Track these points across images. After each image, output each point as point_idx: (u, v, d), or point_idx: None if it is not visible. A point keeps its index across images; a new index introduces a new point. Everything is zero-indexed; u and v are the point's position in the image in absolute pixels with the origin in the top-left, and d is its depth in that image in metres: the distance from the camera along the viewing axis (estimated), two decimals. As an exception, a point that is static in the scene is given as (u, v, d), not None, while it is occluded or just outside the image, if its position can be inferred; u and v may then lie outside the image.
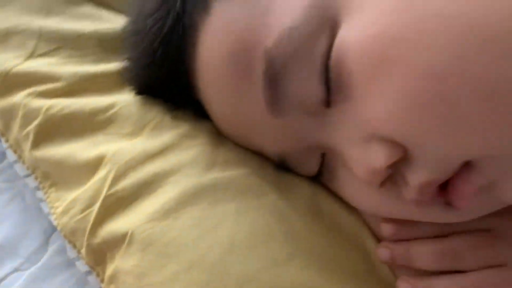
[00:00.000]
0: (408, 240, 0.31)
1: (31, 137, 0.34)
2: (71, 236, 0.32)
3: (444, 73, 0.23)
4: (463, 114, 0.23)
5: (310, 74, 0.26)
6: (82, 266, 0.32)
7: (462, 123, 0.23)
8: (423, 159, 0.25)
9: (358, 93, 0.25)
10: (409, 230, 0.31)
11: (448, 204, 0.27)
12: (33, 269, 0.35)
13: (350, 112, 0.26)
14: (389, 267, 0.32)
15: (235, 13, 0.28)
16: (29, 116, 0.35)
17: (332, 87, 0.26)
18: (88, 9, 0.40)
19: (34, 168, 0.35)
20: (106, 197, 0.31)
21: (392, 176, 0.27)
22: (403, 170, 0.26)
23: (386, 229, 0.31)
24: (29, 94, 0.35)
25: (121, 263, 0.29)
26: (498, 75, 0.22)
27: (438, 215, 0.28)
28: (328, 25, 0.25)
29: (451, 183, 0.26)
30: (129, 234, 0.29)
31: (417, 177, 0.25)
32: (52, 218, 0.33)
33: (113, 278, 0.30)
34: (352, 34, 0.24)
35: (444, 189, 0.26)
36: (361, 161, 0.26)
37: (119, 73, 0.36)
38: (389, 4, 0.24)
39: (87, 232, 0.31)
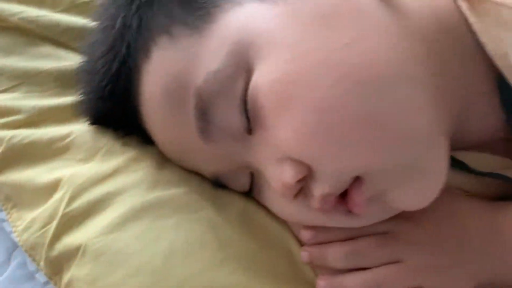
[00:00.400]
0: (323, 243, 0.37)
1: (-7, 164, 0.39)
2: (31, 251, 0.36)
3: (331, 107, 0.29)
4: (348, 139, 0.29)
5: (233, 107, 0.32)
6: (41, 277, 0.36)
7: (348, 146, 0.29)
8: (323, 175, 0.31)
9: (270, 123, 0.31)
10: (323, 235, 0.36)
11: (350, 212, 0.33)
12: (-3, 282, 0.39)
13: (266, 138, 0.32)
14: (311, 267, 0.37)
15: (170, 58, 0.33)
16: None
17: (250, 118, 0.32)
18: (47, 49, 0.45)
19: (-3, 192, 0.39)
20: (63, 215, 0.35)
21: (303, 189, 0.33)
22: (310, 184, 0.32)
23: (305, 235, 0.37)
24: None
25: (76, 271, 0.34)
26: (370, 107, 0.29)
27: (342, 221, 0.34)
28: (244, 69, 0.31)
29: (348, 194, 0.32)
30: (82, 247, 0.34)
31: (319, 189, 0.31)
32: (14, 235, 0.37)
33: (69, 286, 0.34)
34: (262, 77, 0.30)
35: (344, 199, 0.32)
36: (276, 178, 0.32)
37: (75, 105, 0.41)
38: (288, 55, 0.30)
39: (45, 246, 0.35)
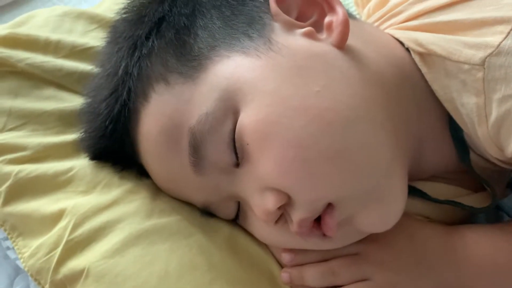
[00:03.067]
0: (301, 265, 0.41)
1: (2, 196, 0.42)
2: (37, 275, 0.39)
3: (304, 144, 0.34)
4: (320, 171, 0.34)
5: (222, 144, 0.36)
6: (45, 300, 0.39)
7: (320, 177, 0.34)
8: (300, 203, 0.35)
9: (254, 158, 0.36)
10: (301, 257, 0.41)
11: (324, 235, 0.38)
12: (0, 307, 0.42)
13: (251, 171, 0.37)
14: (290, 287, 0.42)
15: (167, 102, 0.38)
16: (1, 180, 0.43)
17: (238, 153, 0.36)
18: (51, 91, 0.49)
19: (4, 221, 0.42)
20: (67, 242, 0.39)
21: (282, 216, 0.37)
22: (289, 211, 0.36)
23: (285, 257, 0.41)
24: (1, 161, 0.43)
25: (79, 293, 0.37)
26: (337, 145, 0.34)
27: (317, 244, 0.38)
28: (231, 111, 0.36)
29: (322, 219, 0.36)
30: (86, 270, 0.38)
31: (297, 215, 0.36)
32: (20, 261, 0.40)
33: (73, 306, 0.38)
34: (247, 118, 0.35)
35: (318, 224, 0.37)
36: (259, 205, 0.37)
37: (76, 143, 0.45)
38: (268, 100, 0.35)
39: (51, 271, 0.39)
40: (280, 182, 0.35)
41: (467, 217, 0.47)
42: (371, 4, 0.54)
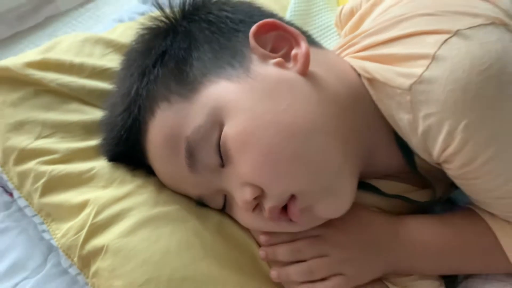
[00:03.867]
0: (275, 244, 0.52)
1: (39, 190, 0.53)
2: (68, 251, 0.50)
3: (273, 150, 0.44)
4: (284, 171, 0.44)
5: (210, 150, 0.47)
6: (73, 270, 0.50)
7: (285, 176, 0.45)
8: (270, 194, 0.46)
9: (235, 160, 0.46)
10: (275, 238, 0.51)
11: (291, 220, 0.48)
12: (38, 277, 0.52)
13: (233, 171, 0.47)
14: (267, 262, 0.52)
15: (169, 117, 0.48)
16: (38, 176, 0.53)
17: (222, 157, 0.47)
18: (76, 106, 0.59)
19: (40, 210, 0.53)
20: (90, 225, 0.49)
21: (258, 205, 0.48)
22: (262, 201, 0.47)
23: (262, 239, 0.51)
24: (37, 162, 0.53)
25: (100, 264, 0.48)
26: (298, 150, 0.44)
27: (285, 227, 0.49)
28: (218, 124, 0.46)
29: (287, 207, 0.47)
30: (105, 246, 0.48)
31: (268, 204, 0.46)
32: (54, 241, 0.51)
33: (95, 274, 0.48)
34: (229, 130, 0.45)
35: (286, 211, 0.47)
36: (239, 197, 0.47)
37: (97, 147, 0.56)
38: (246, 116, 0.45)
39: (78, 247, 0.49)
40: (255, 179, 0.45)
41: (416, 209, 0.56)
42: (346, 27, 0.64)
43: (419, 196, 0.56)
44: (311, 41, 0.56)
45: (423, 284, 0.52)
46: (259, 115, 0.45)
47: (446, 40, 0.44)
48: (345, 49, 0.55)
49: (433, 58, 0.44)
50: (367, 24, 0.58)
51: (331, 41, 0.81)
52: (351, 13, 0.70)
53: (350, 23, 0.66)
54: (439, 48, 0.44)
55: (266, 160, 0.45)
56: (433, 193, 0.55)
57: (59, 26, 0.95)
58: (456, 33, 0.44)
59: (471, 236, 0.52)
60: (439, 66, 0.43)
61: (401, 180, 0.56)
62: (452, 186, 0.54)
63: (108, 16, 0.96)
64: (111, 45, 0.67)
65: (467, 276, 0.56)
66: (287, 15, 0.83)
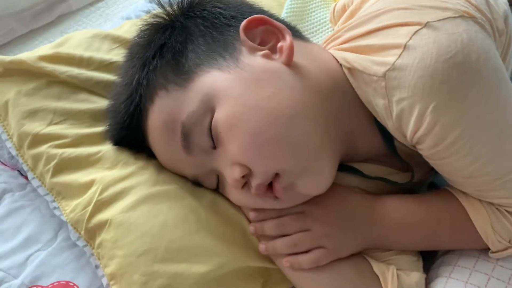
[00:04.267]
0: (263, 220, 0.56)
1: (51, 170, 0.58)
2: (76, 225, 0.55)
3: (258, 133, 0.49)
4: (269, 151, 0.49)
5: (203, 133, 0.51)
6: (81, 243, 0.56)
7: (269, 156, 0.49)
8: (257, 173, 0.50)
9: (225, 142, 0.51)
10: (263, 215, 0.56)
11: (276, 197, 0.53)
12: (49, 249, 0.58)
13: (223, 152, 0.52)
14: (256, 237, 0.57)
15: (166, 104, 0.53)
16: (49, 159, 0.58)
17: (214, 139, 0.52)
18: (84, 96, 0.64)
19: (51, 189, 0.58)
20: (96, 201, 0.55)
21: (246, 184, 0.52)
22: (250, 179, 0.52)
23: (251, 215, 0.56)
24: (49, 146, 0.59)
25: (104, 236, 0.53)
26: (281, 133, 0.49)
27: (272, 204, 0.53)
28: (210, 110, 0.51)
29: (272, 185, 0.51)
30: (109, 220, 0.53)
31: (255, 181, 0.51)
32: (64, 216, 0.56)
33: (100, 245, 0.54)
34: (220, 115, 0.50)
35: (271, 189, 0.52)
36: (229, 175, 0.52)
37: (103, 133, 0.61)
38: (234, 102, 0.50)
39: (85, 221, 0.54)
40: (242, 159, 0.50)
41: (400, 192, 0.60)
42: (339, 23, 0.69)
43: (400, 178, 0.60)
44: (299, 36, 0.60)
45: (400, 258, 0.57)
46: (246, 101, 0.50)
47: (416, 31, 0.48)
48: (330, 42, 0.59)
49: (405, 47, 0.48)
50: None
51: (326, 36, 0.85)
52: (343, 9, 0.75)
53: (342, 19, 0.70)
54: (410, 38, 0.48)
55: (252, 141, 0.49)
56: (412, 175, 0.59)
57: (70, 24, 1.00)
58: (426, 24, 0.48)
59: (444, 214, 0.56)
60: (410, 54, 0.48)
61: (383, 163, 0.61)
62: (433, 169, 0.58)
63: (116, 14, 1.02)
64: (118, 41, 0.72)
65: (445, 252, 0.60)
66: (284, 12, 0.88)
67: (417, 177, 0.60)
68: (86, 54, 0.68)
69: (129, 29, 0.75)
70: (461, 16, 0.50)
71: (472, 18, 0.50)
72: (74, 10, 1.04)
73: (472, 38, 0.48)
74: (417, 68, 0.47)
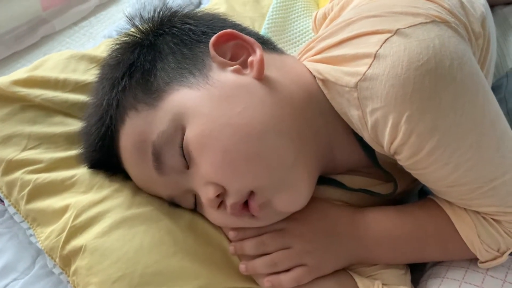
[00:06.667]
0: (242, 239, 0.55)
1: (25, 197, 0.57)
2: (50, 252, 0.54)
3: (229, 150, 0.47)
4: (241, 169, 0.48)
5: (175, 152, 0.50)
6: (57, 270, 0.54)
7: (242, 173, 0.48)
8: (230, 192, 0.49)
9: (197, 161, 0.50)
10: (242, 234, 0.54)
11: (253, 216, 0.51)
12: (26, 278, 0.56)
13: (196, 171, 0.50)
14: (237, 256, 0.55)
15: (137, 124, 0.52)
16: (23, 185, 0.57)
17: (186, 159, 0.51)
18: (59, 118, 0.63)
19: (27, 216, 0.57)
20: (70, 227, 0.53)
21: (222, 203, 0.51)
22: (225, 198, 0.50)
23: (231, 234, 0.55)
24: (23, 172, 0.57)
25: (79, 263, 0.52)
26: (253, 150, 0.47)
27: (249, 222, 0.52)
28: (180, 129, 0.50)
29: (248, 203, 0.50)
30: (83, 246, 0.52)
31: (229, 200, 0.49)
32: (39, 243, 0.55)
33: (75, 272, 0.52)
34: (190, 133, 0.49)
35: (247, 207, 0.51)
36: (204, 195, 0.51)
37: (77, 156, 0.60)
38: (204, 120, 0.48)
39: (59, 248, 0.53)
40: (215, 178, 0.49)
41: (386, 203, 0.59)
42: (320, 31, 0.68)
43: (383, 189, 0.58)
44: (273, 48, 0.59)
45: (387, 273, 0.55)
46: (216, 118, 0.49)
47: (387, 39, 0.47)
48: (305, 53, 0.58)
49: (375, 56, 0.47)
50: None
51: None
52: (324, 17, 0.74)
53: (322, 27, 0.69)
54: (381, 47, 0.47)
55: (224, 159, 0.48)
56: (395, 186, 0.57)
57: (54, 44, 1.00)
58: (396, 32, 0.47)
59: (429, 225, 0.54)
60: (381, 63, 0.46)
61: (365, 174, 0.59)
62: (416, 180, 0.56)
63: (100, 33, 1.01)
64: (95, 61, 0.71)
65: (434, 264, 0.58)
66: (265, 22, 0.87)
67: (401, 187, 0.58)
68: (62, 76, 0.67)
69: (107, 48, 0.74)
70: (433, 21, 0.48)
71: (445, 22, 0.49)
72: (57, 31, 1.04)
73: (444, 43, 0.46)
74: (388, 77, 0.46)
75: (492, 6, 0.93)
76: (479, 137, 0.47)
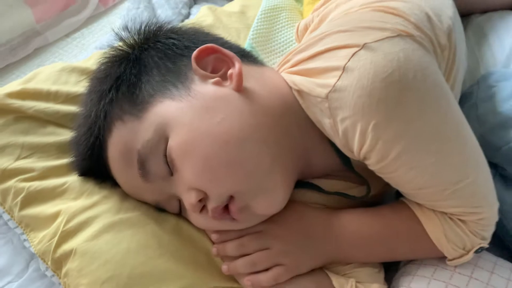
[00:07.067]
0: (225, 241, 0.58)
1: (19, 204, 0.60)
2: (43, 255, 0.57)
3: (210, 157, 0.51)
4: (222, 175, 0.51)
5: (159, 160, 0.53)
6: (49, 273, 0.57)
7: (222, 179, 0.51)
8: (211, 196, 0.52)
9: (180, 168, 0.53)
10: (224, 236, 0.57)
11: (234, 219, 0.54)
12: (20, 281, 0.60)
13: (179, 177, 0.54)
14: (220, 258, 0.58)
15: (123, 134, 0.55)
16: (17, 193, 0.60)
17: (170, 166, 0.54)
18: (51, 129, 0.66)
19: (20, 222, 0.60)
20: (61, 232, 0.56)
21: (205, 207, 0.54)
22: (207, 202, 0.53)
23: (213, 237, 0.58)
24: (17, 180, 0.61)
25: (70, 265, 0.55)
26: (232, 156, 0.51)
27: (230, 225, 0.55)
28: (164, 138, 0.53)
29: (228, 207, 0.53)
30: (74, 250, 0.55)
31: (210, 205, 0.53)
32: (32, 248, 0.58)
33: (66, 274, 0.55)
34: (173, 142, 0.52)
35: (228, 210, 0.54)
36: (186, 200, 0.54)
37: (68, 165, 0.63)
38: (185, 129, 0.52)
39: (51, 252, 0.56)
40: (197, 184, 0.52)
41: (363, 205, 0.62)
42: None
43: (357, 192, 0.62)
44: (253, 61, 0.63)
45: (361, 271, 0.58)
46: (197, 127, 0.52)
47: (354, 53, 0.50)
48: (283, 65, 0.62)
49: (344, 69, 0.50)
50: None
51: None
52: (305, 28, 0.77)
53: (304, 38, 0.73)
54: (349, 60, 0.50)
55: (205, 166, 0.51)
56: (368, 188, 0.61)
57: (47, 56, 1.03)
58: (364, 46, 0.51)
59: (399, 225, 0.57)
60: (349, 76, 0.50)
61: (341, 178, 0.62)
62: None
63: (91, 44, 1.05)
64: (85, 73, 0.75)
65: (407, 262, 0.61)
66: (250, 34, 0.91)
67: (374, 190, 0.61)
68: (54, 87, 0.71)
69: (97, 60, 0.77)
70: (399, 35, 0.52)
71: (410, 36, 0.52)
72: (50, 42, 1.07)
73: (409, 56, 0.50)
74: (355, 88, 0.49)
75: (469, 14, 0.98)
76: (442, 143, 0.50)
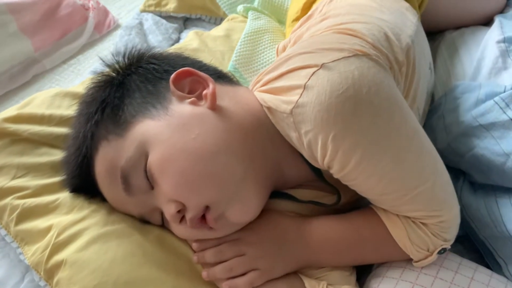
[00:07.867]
0: (204, 249, 0.62)
1: (14, 220, 0.65)
2: (36, 266, 0.62)
3: (185, 171, 0.55)
4: (197, 187, 0.56)
5: (140, 175, 0.58)
6: (42, 283, 0.62)
7: (197, 191, 0.56)
8: (189, 207, 0.57)
9: (159, 182, 0.58)
10: (204, 245, 0.62)
11: (211, 228, 0.59)
12: (16, 292, 0.64)
13: (159, 191, 0.58)
14: (201, 265, 0.63)
15: (108, 152, 0.60)
16: (13, 209, 0.65)
17: (150, 180, 0.58)
18: (45, 150, 0.71)
19: (16, 236, 0.65)
20: (53, 244, 0.61)
21: (184, 218, 0.59)
22: (185, 213, 0.58)
23: (194, 245, 0.62)
24: (13, 198, 0.65)
25: (61, 274, 0.59)
26: (206, 170, 0.55)
27: (208, 234, 0.60)
28: (144, 155, 0.58)
29: (205, 217, 0.58)
30: (64, 260, 0.59)
31: (188, 215, 0.57)
32: (26, 260, 0.63)
33: (57, 283, 0.59)
34: (152, 158, 0.57)
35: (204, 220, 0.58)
36: (166, 212, 0.58)
37: (60, 183, 0.68)
38: (163, 146, 0.56)
39: (43, 263, 0.61)
40: (175, 196, 0.57)
41: (329, 212, 0.66)
42: None
43: (328, 200, 0.66)
44: (228, 81, 0.68)
45: (333, 274, 0.62)
46: (174, 144, 0.57)
47: (314, 72, 0.55)
48: (255, 84, 0.67)
49: (305, 87, 0.55)
50: None
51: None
52: (284, 49, 0.83)
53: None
54: (309, 79, 0.55)
55: (181, 179, 0.56)
56: (338, 197, 0.65)
57: (45, 82, 1.09)
58: (322, 66, 0.56)
59: (366, 231, 0.61)
60: (309, 93, 0.55)
61: (314, 187, 0.67)
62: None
63: (87, 69, 1.11)
64: (77, 97, 0.79)
65: (378, 265, 0.65)
66: (233, 55, 0.96)
67: (345, 198, 0.66)
68: (48, 111, 0.76)
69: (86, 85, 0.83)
70: (355, 55, 0.57)
71: (366, 55, 0.57)
72: (48, 69, 1.13)
73: (363, 73, 0.55)
74: (315, 104, 0.54)
75: (443, 30, 1.03)
76: (397, 151, 0.55)
